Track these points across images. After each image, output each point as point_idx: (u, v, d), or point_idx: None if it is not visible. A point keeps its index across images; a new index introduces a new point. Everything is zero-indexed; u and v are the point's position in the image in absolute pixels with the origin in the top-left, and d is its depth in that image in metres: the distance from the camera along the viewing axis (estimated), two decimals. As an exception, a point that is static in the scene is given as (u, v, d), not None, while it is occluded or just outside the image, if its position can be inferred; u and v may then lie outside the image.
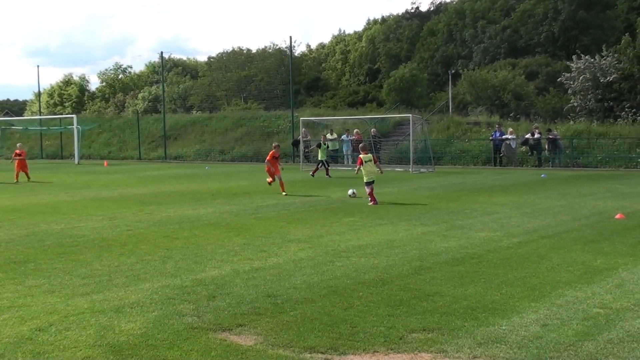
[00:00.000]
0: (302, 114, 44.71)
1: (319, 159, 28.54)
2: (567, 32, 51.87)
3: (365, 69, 70.06)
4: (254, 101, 62.80)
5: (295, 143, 39.38)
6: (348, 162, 36.92)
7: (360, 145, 18.87)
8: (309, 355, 5.53)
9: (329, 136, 37.75)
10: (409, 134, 32.98)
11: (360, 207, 16.16)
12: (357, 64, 72.11)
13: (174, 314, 6.82)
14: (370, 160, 17.40)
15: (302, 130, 36.78)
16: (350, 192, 18.46)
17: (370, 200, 16.89)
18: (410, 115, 34.23)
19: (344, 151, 37.43)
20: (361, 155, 17.53)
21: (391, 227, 12.87)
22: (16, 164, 27.38)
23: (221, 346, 5.79)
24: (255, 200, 18.23)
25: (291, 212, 15.40)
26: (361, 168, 17.35)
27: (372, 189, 17.09)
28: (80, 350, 5.72)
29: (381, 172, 18.22)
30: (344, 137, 37.28)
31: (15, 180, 26.53)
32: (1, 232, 12.80)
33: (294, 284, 8.11)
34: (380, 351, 5.63)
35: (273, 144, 22.07)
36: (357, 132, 37.10)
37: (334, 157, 37.52)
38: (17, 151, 27.95)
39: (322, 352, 5.60)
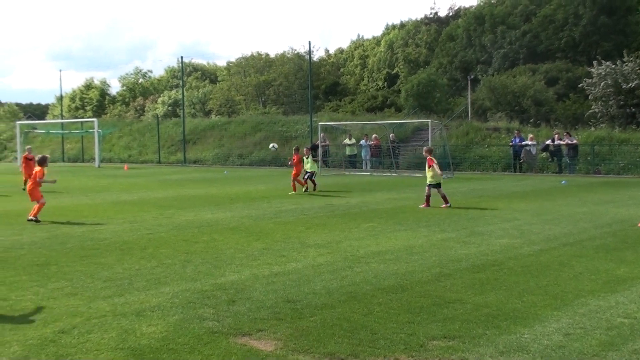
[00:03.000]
0: (321, 118, 44.80)
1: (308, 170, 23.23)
2: (588, 38, 51.40)
3: (384, 74, 69.94)
4: (273, 105, 62.99)
5: (314, 148, 39.40)
6: (366, 167, 36.89)
7: (426, 148, 18.62)
8: (330, 361, 5.52)
9: (347, 141, 37.79)
10: (427, 140, 32.88)
11: (379, 213, 16.13)
12: (375, 68, 72.02)
13: (195, 318, 6.84)
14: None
15: (320, 134, 36.82)
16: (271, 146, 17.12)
17: (424, 204, 17.12)
18: (429, 120, 34.15)
19: (363, 156, 37.41)
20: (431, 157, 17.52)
21: (410, 233, 12.82)
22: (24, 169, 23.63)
23: (241, 351, 5.80)
24: (274, 205, 18.26)
25: (310, 217, 15.41)
26: (433, 168, 17.25)
27: (429, 193, 17.22)
28: (103, 353, 5.76)
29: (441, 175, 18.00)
30: (362, 142, 37.27)
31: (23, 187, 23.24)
32: (24, 235, 12.93)
33: (314, 289, 8.11)
34: (401, 358, 5.60)
35: (294, 148, 23.45)
36: (375, 137, 37.08)
37: (352, 162, 37.51)
38: (27, 155, 24.19)
39: (342, 359, 5.59)
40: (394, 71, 69.15)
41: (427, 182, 17.35)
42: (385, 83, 68.74)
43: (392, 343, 5.98)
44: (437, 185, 17.34)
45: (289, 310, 7.14)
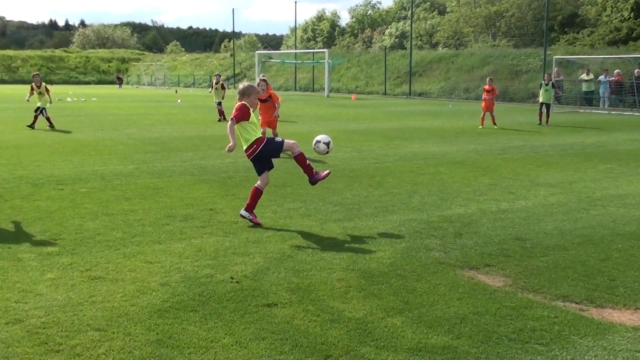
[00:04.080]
0: (555, 52, 42.10)
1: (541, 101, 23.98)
2: None
3: (631, 3, 63.32)
4: (503, 38, 60.36)
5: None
6: (604, 105, 34.21)
7: None
8: (562, 303, 5.30)
9: (584, 77, 35.21)
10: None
11: (618, 154, 14.95)
12: (621, -3, 65.50)
13: (421, 248, 6.92)
14: None
15: (554, 69, 34.66)
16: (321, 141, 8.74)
17: None
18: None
19: (601, 93, 34.67)
20: None
21: (655, 177, 11.74)
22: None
23: (469, 284, 5.77)
24: (500, 141, 17.71)
25: (540, 155, 14.72)
26: None
27: None
28: (335, 272, 6.06)
29: None
30: (601, 78, 34.48)
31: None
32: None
33: (545, 229, 7.78)
34: (643, 309, 5.21)
35: (488, 79, 23.82)
36: (617, 72, 34.08)
37: (589, 99, 34.97)
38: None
39: (576, 302, 5.33)
40: (644, 0, 62.36)
41: None
42: (632, 13, 62.36)
43: (633, 292, 5.58)
44: None
45: (517, 248, 6.95)
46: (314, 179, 8.02)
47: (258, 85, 14.15)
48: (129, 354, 4.28)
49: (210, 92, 27.38)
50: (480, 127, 21.66)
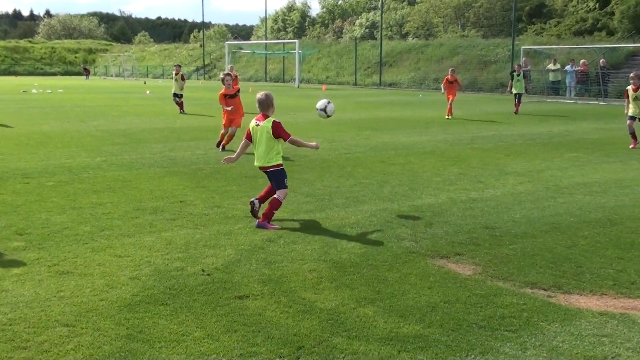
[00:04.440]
0: (523, 42, 42.51)
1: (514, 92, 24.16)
2: None
3: (597, -6, 64.31)
4: (472, 28, 60.77)
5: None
6: (571, 94, 34.67)
7: (632, 74, 14.87)
8: (530, 290, 5.37)
9: (551, 66, 35.63)
10: (644, 66, 30.01)
11: (584, 143, 15.18)
12: (587, -12, 66.36)
13: (392, 237, 6.95)
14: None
15: (522, 59, 35.02)
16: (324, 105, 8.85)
17: (632, 144, 14.51)
18: (647, 44, 31.07)
19: (567, 83, 35.13)
20: (630, 88, 14.66)
21: (620, 165, 11.94)
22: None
23: (439, 273, 5.82)
24: (470, 130, 17.85)
25: (509, 145, 14.88)
26: (629, 102, 14.65)
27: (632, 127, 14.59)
28: (306, 263, 6.07)
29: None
30: (567, 67, 34.92)
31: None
32: (234, 148, 13.83)
33: (513, 217, 7.87)
34: (609, 294, 5.30)
35: (450, 70, 23.30)
36: (583, 62, 34.57)
37: (555, 88, 35.40)
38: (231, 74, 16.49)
39: (544, 289, 5.41)
40: (609, -9, 63.27)
41: (629, 113, 14.59)
42: (597, 4, 63.21)
43: (599, 278, 5.68)
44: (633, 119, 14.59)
45: (487, 236, 7.02)
46: (262, 223, 7.34)
47: (223, 80, 13.71)
48: (99, 349, 4.23)
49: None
50: (449, 117, 21.75)
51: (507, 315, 4.83)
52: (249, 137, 7.78)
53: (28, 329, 4.52)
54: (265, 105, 7.64)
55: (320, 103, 8.71)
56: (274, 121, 7.54)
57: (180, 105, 23.86)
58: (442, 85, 23.19)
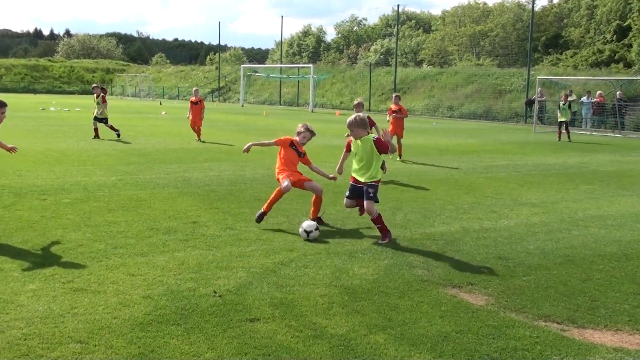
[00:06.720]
0: (539, 72, 42.58)
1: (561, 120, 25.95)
2: None
3: (614, 26, 64.34)
4: (487, 57, 60.95)
5: (529, 103, 37.69)
6: (586, 126, 34.59)
7: None
8: (544, 323, 5.33)
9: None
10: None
11: (600, 175, 15.11)
12: (604, 20, 66.47)
13: (404, 265, 6.93)
14: None
15: (537, 89, 35.04)
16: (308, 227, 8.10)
17: None
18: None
19: (583, 114, 35.08)
20: None
21: (637, 198, 11.87)
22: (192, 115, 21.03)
23: (452, 302, 5.79)
24: (484, 159, 17.83)
25: (523, 175, 14.84)
26: None
27: None
28: (318, 288, 6.06)
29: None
30: (584, 99, 34.90)
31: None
32: (246, 171, 13.90)
33: (527, 248, 7.84)
34: (624, 330, 5.25)
35: (394, 96, 18.93)
36: (600, 94, 34.53)
37: (571, 120, 35.33)
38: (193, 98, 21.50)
39: (558, 322, 5.36)
40: (626, 23, 63.32)
41: None
42: (615, 36, 63.33)
43: (615, 313, 5.62)
44: None
45: (500, 267, 6.99)
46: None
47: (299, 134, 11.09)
48: (110, 367, 4.24)
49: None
50: (393, 157, 17.12)
51: (520, 347, 4.80)
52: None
53: (42, 344, 4.54)
54: (364, 125, 8.46)
55: (307, 225, 8.01)
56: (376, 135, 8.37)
57: (95, 130, 20.83)
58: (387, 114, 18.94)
